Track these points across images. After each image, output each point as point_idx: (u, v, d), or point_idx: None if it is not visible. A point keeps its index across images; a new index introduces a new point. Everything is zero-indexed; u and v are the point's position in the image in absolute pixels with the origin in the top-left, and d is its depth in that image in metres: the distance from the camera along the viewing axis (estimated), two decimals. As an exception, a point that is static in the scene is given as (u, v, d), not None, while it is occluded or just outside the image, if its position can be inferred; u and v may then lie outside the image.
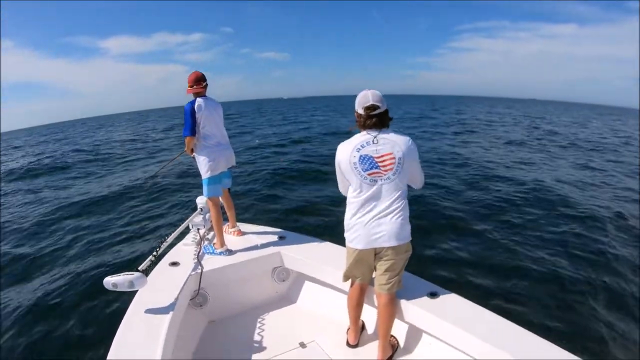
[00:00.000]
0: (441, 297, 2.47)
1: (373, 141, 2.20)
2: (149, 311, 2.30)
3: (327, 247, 3.25)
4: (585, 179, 9.97)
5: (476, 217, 6.64)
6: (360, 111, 2.23)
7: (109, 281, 2.25)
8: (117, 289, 2.25)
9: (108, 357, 1.92)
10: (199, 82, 3.16)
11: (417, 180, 2.37)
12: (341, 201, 2.43)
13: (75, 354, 3.44)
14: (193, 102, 3.11)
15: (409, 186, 2.32)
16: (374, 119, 2.21)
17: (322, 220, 6.57)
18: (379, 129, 2.23)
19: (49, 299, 4.37)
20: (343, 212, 2.37)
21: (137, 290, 2.40)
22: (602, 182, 9.75)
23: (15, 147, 27.34)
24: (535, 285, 4.43)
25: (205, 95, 3.21)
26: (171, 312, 2.29)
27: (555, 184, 9.10)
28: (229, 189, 3.56)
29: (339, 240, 3.37)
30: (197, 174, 3.30)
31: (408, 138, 2.25)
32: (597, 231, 6.07)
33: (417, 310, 2.41)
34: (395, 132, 2.26)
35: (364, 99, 2.23)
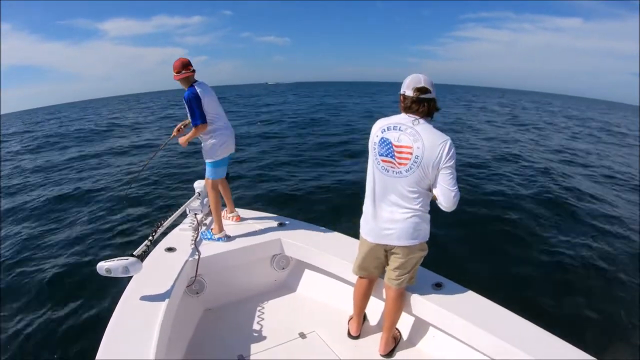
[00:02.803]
0: (446, 288, 2.42)
1: (401, 128, 2.00)
2: (144, 298, 2.22)
3: (329, 234, 3.16)
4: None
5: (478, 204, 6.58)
6: (409, 92, 1.99)
7: (103, 266, 2.15)
8: (111, 275, 2.15)
9: (101, 345, 1.84)
10: (186, 66, 2.99)
11: (442, 194, 2.01)
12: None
13: (66, 342, 3.36)
14: (192, 89, 2.95)
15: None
16: (422, 104, 1.99)
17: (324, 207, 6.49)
18: (422, 117, 2.02)
19: (40, 286, 4.29)
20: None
21: (131, 276, 2.31)
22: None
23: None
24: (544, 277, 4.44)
25: (196, 80, 3.06)
26: (167, 300, 2.21)
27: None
28: (227, 173, 3.45)
29: (341, 227, 3.29)
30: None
31: (443, 140, 1.95)
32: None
33: (421, 302, 2.35)
34: (435, 127, 2.03)
35: (415, 80, 2.00)
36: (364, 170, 2.19)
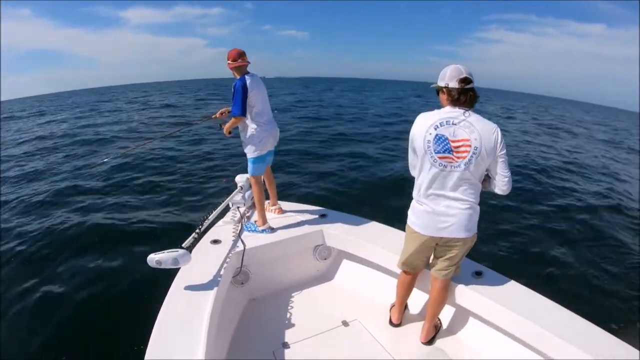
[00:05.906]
0: (486, 276, 2.40)
1: (454, 122, 1.98)
2: (193, 288, 2.31)
3: (370, 225, 3.18)
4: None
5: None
6: (453, 84, 1.97)
7: (153, 258, 2.24)
8: (161, 267, 2.24)
9: (153, 334, 1.92)
10: (242, 56, 3.02)
11: (498, 180, 2.06)
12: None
13: (116, 331, 3.41)
14: (243, 79, 2.96)
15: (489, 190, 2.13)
16: (469, 94, 1.98)
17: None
18: (469, 108, 2.01)
19: (88, 277, 4.39)
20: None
21: (179, 268, 2.39)
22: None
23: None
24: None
25: (249, 72, 3.08)
26: (215, 290, 2.29)
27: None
28: (270, 165, 3.52)
29: (381, 218, 3.28)
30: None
31: (494, 127, 1.97)
32: None
33: (461, 290, 2.35)
34: (482, 116, 2.01)
35: (456, 71, 1.98)
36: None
